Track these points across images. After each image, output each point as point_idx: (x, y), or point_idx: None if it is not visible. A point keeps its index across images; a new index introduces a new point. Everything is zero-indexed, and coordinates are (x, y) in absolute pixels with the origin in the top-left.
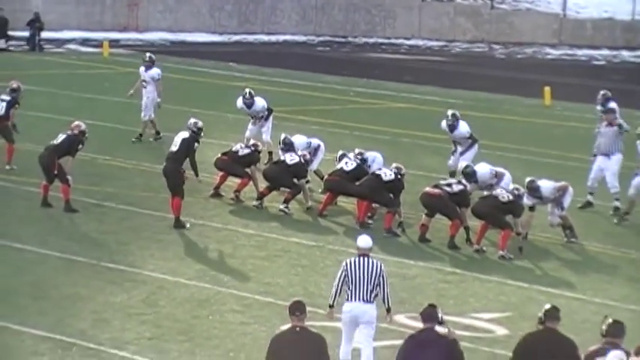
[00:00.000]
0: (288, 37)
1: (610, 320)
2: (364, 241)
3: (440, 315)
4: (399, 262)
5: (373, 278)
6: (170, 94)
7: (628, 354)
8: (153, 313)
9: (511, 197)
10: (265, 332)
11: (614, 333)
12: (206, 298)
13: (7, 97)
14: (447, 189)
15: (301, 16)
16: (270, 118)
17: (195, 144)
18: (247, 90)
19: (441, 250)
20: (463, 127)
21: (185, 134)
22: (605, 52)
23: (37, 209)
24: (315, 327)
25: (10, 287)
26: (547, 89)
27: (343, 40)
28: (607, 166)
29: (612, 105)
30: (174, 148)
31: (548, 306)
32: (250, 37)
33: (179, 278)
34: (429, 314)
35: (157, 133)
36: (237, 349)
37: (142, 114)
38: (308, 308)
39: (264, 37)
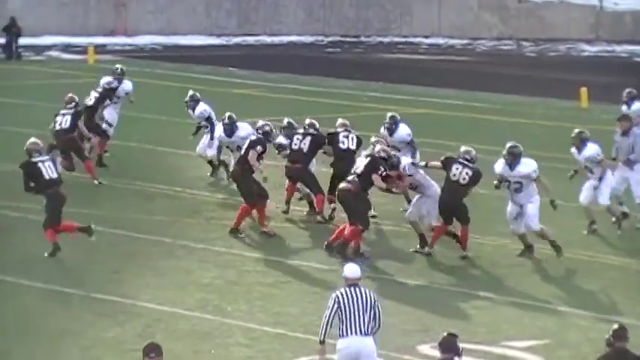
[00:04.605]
0: (293, 38)
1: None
2: (353, 270)
3: (460, 346)
4: (421, 285)
5: (369, 309)
6: (164, 104)
7: None
8: None
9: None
10: None
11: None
12: (209, 330)
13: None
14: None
15: (308, 13)
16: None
17: (259, 147)
18: (227, 114)
19: (467, 271)
20: (403, 130)
21: (253, 137)
22: None
23: (19, 235)
24: None
25: None
26: (583, 90)
27: (355, 39)
28: (631, 176)
29: (636, 105)
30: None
31: (615, 325)
32: (251, 39)
33: (178, 309)
34: (449, 344)
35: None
36: None
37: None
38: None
39: (267, 39)
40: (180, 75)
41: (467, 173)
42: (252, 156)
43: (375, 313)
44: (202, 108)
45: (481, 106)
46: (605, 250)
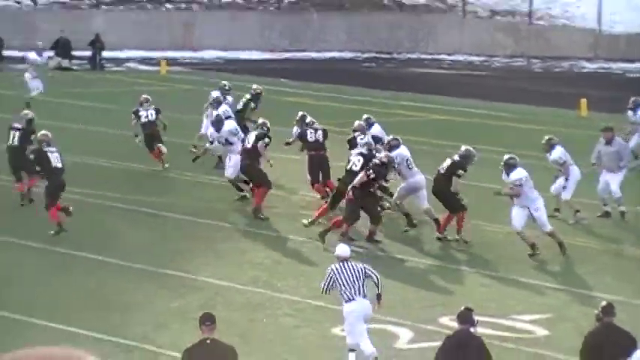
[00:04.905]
0: (335, 54)
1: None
2: (344, 250)
3: (475, 318)
4: (440, 266)
5: (362, 276)
6: None
7: None
8: None
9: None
10: (317, 335)
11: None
12: (260, 302)
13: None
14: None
15: (348, 34)
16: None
17: (266, 139)
18: (215, 113)
19: (480, 255)
20: (374, 129)
21: (259, 131)
22: (639, 65)
23: (97, 217)
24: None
25: (70, 292)
26: (583, 101)
27: (388, 56)
28: (610, 177)
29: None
30: (247, 145)
31: (604, 303)
32: (300, 55)
33: (234, 284)
34: (466, 316)
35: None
36: (291, 352)
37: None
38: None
39: (314, 55)
40: (239, 85)
41: (447, 164)
42: (260, 145)
43: (368, 275)
44: (224, 109)
45: (496, 114)
46: (598, 238)
